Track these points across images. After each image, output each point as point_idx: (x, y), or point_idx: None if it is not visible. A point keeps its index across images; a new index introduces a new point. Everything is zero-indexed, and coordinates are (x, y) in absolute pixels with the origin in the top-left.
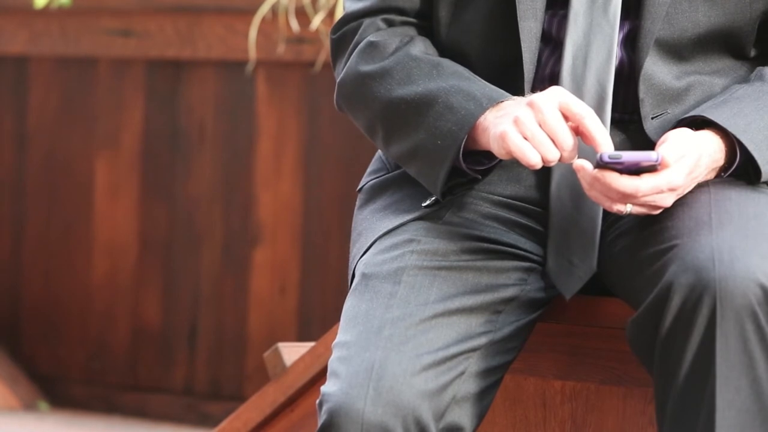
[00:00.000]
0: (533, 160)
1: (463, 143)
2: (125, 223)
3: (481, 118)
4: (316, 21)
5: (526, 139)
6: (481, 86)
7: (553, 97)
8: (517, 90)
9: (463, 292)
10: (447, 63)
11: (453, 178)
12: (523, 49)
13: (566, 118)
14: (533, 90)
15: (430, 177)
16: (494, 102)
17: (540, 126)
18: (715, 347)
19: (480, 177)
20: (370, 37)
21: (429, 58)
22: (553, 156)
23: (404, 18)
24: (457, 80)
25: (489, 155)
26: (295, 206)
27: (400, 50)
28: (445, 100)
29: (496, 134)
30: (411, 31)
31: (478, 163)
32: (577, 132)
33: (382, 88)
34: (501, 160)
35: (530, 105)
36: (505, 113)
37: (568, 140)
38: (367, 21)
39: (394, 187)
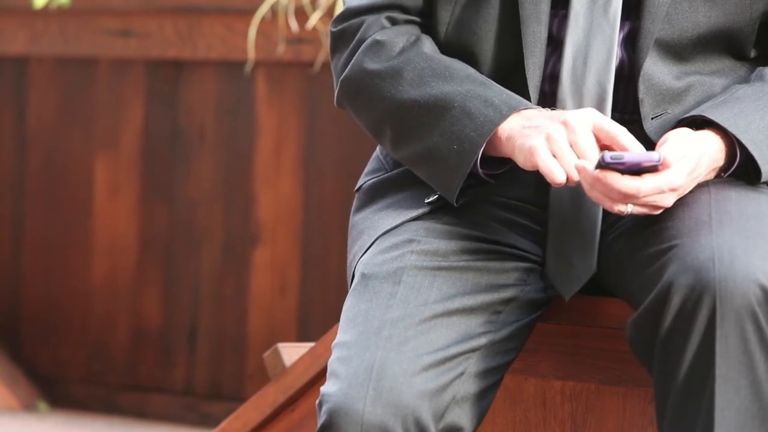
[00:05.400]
0: (559, 178)
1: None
2: (125, 223)
3: (503, 125)
4: (314, 19)
5: (554, 156)
6: (498, 92)
7: (588, 118)
8: (521, 93)
9: (463, 293)
10: (458, 65)
11: (464, 181)
12: (526, 54)
13: (599, 138)
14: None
15: (444, 182)
16: (513, 110)
17: (571, 146)
18: (714, 347)
19: (493, 182)
20: (376, 36)
21: (439, 59)
22: (578, 177)
23: (407, 16)
24: (472, 84)
25: (500, 159)
26: (295, 206)
27: (408, 50)
28: (462, 105)
29: (525, 146)
30: (415, 30)
31: (489, 167)
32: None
33: (391, 88)
34: (512, 165)
35: (564, 124)
36: (536, 126)
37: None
38: (370, 18)
39: (394, 187)
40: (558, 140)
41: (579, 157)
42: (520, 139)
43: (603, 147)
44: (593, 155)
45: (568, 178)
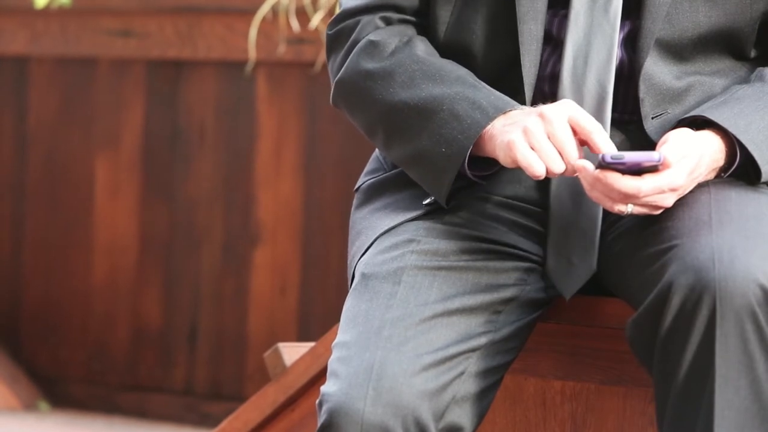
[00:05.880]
0: (538, 170)
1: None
2: (125, 223)
3: (488, 128)
4: (315, 20)
5: (533, 149)
6: (487, 94)
7: (564, 110)
8: (518, 90)
9: (463, 292)
10: (449, 66)
11: (455, 182)
12: (522, 51)
13: (574, 131)
14: (534, 89)
15: (434, 184)
16: (501, 111)
17: (548, 138)
18: (714, 347)
19: (483, 183)
20: (370, 36)
21: (431, 61)
22: (558, 168)
23: (402, 16)
24: (462, 87)
25: (491, 161)
26: (295, 206)
27: (401, 51)
28: (450, 108)
29: (503, 142)
30: (409, 30)
31: (479, 167)
32: (584, 145)
33: (383, 90)
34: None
35: (540, 116)
36: (514, 122)
37: (574, 154)
38: (365, 19)
39: (393, 186)
40: (535, 132)
41: (557, 149)
42: (500, 136)
43: (579, 141)
44: (571, 146)
45: (548, 171)
